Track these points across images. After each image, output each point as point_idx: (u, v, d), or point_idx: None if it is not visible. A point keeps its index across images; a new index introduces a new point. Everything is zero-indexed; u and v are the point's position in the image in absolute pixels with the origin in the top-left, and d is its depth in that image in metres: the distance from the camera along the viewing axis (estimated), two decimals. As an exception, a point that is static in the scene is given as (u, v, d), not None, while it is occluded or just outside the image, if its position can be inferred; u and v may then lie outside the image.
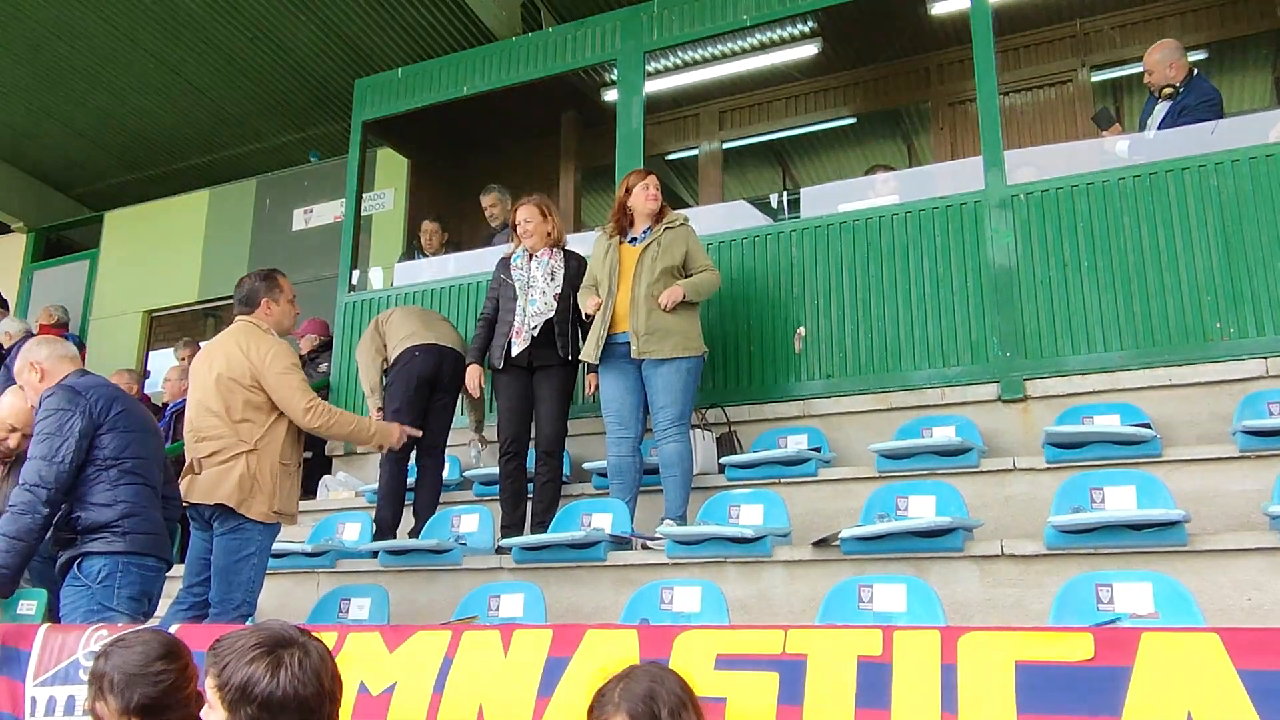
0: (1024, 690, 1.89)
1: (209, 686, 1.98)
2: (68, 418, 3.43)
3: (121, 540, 3.36)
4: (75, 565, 3.38)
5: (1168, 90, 5.42)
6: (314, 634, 2.09)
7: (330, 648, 2.08)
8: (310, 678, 1.94)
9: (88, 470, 3.43)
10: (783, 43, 7.38)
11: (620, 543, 4.51)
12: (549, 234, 5.28)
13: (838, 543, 3.99)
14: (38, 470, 3.40)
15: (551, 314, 5.13)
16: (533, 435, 5.22)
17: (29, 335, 7.61)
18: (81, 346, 8.25)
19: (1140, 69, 7.52)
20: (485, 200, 7.21)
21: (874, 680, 2.01)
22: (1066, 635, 1.98)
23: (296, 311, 4.34)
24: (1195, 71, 5.50)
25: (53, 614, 4.90)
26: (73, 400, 3.48)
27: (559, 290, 5.17)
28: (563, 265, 5.24)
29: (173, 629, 2.86)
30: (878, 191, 6.15)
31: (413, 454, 5.56)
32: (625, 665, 2.03)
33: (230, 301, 9.36)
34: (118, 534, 3.36)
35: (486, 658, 2.38)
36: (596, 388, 5.33)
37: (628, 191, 5.10)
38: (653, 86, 6.76)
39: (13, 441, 3.74)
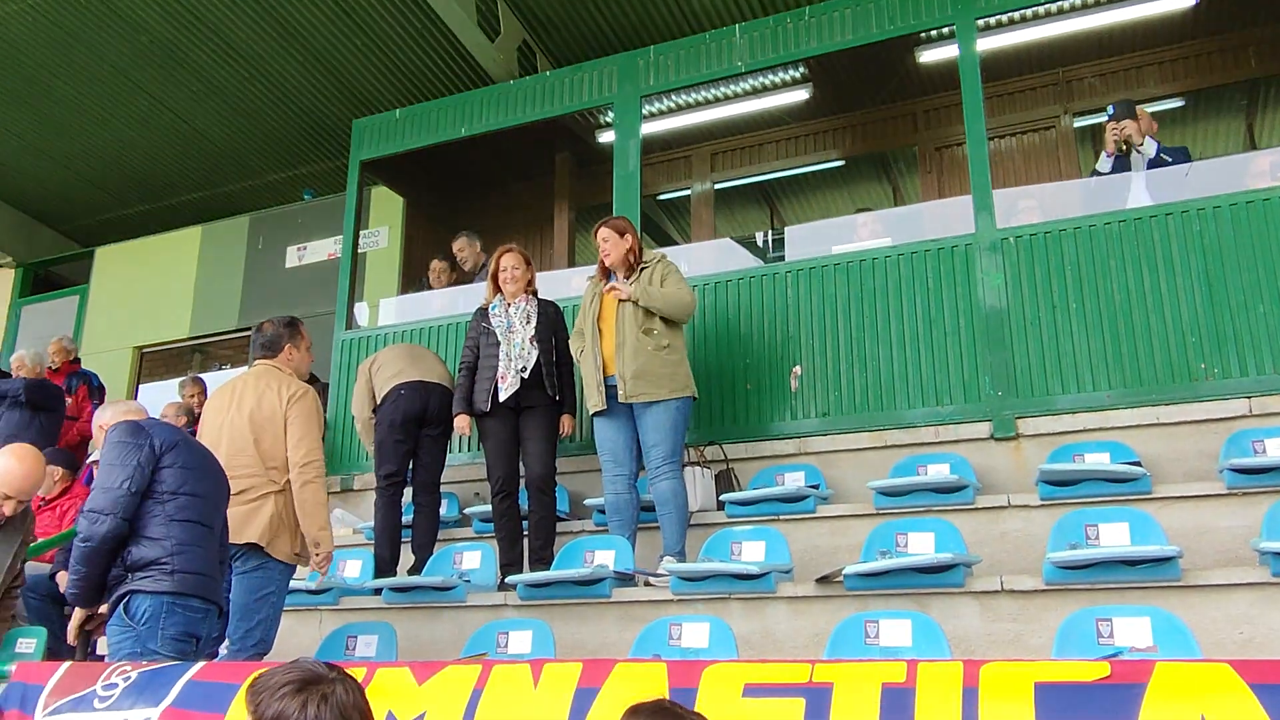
0: (1043, 705, 1.98)
1: None
2: (129, 450, 3.46)
3: (169, 579, 3.34)
4: (122, 605, 3.37)
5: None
6: (346, 670, 2.15)
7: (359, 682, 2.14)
8: (336, 714, 2.00)
9: (146, 503, 3.43)
10: (774, 88, 7.55)
11: (624, 579, 4.57)
12: (529, 281, 5.44)
13: (841, 579, 4.06)
14: (94, 498, 3.43)
15: (536, 356, 5.24)
16: (523, 474, 5.29)
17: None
18: (102, 388, 8.25)
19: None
20: (455, 245, 7.35)
21: (898, 703, 2.09)
22: (1084, 663, 2.07)
23: (312, 359, 4.44)
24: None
25: (52, 653, 4.91)
26: (135, 433, 3.52)
27: (535, 335, 5.28)
28: (538, 311, 5.37)
29: (197, 667, 2.90)
30: (859, 235, 6.29)
31: (407, 491, 5.62)
32: (650, 698, 2.08)
33: (222, 339, 9.56)
34: (165, 572, 3.34)
35: (516, 689, 2.43)
36: (571, 430, 5.43)
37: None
38: (647, 128, 6.90)
39: (7, 509, 3.76)
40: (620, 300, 5.01)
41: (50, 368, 8.03)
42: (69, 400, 7.82)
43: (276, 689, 2.02)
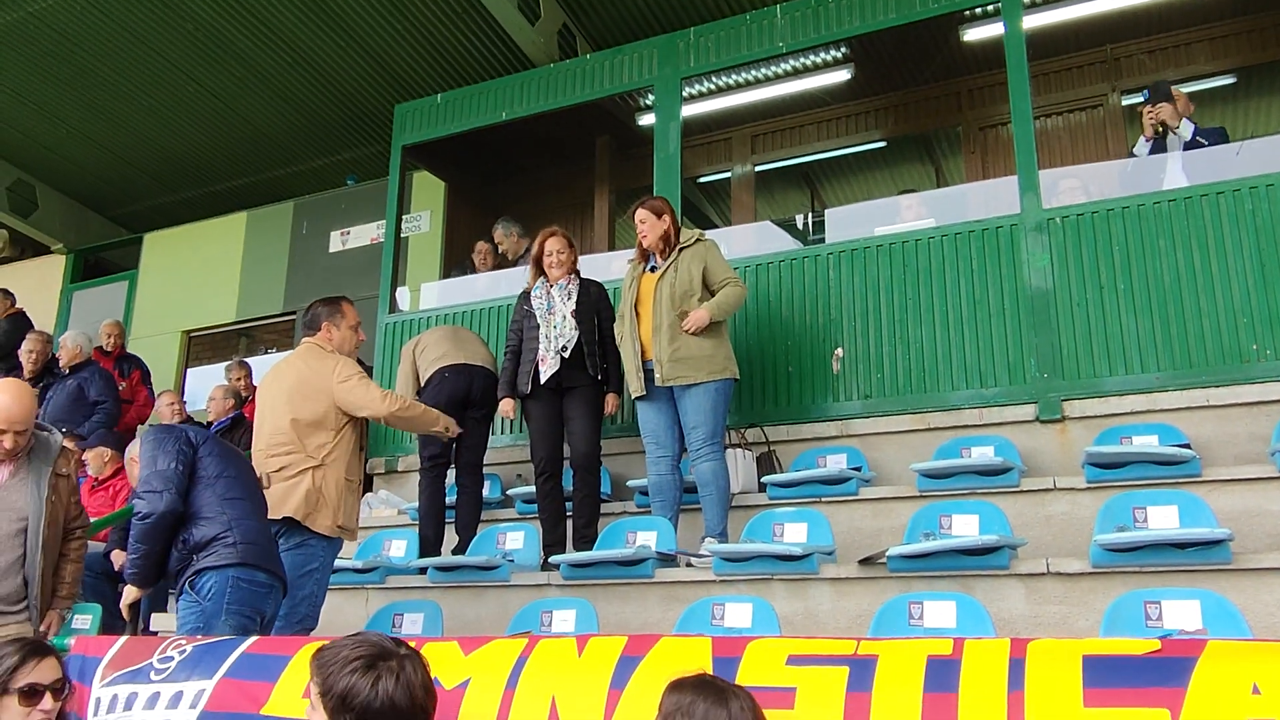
0: (1090, 673, 1.96)
1: (312, 691, 2.10)
2: (165, 440, 3.61)
3: (232, 551, 3.46)
4: (189, 584, 3.49)
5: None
6: (410, 646, 2.20)
7: None
8: (405, 691, 2.05)
9: (197, 489, 3.57)
10: (816, 68, 7.49)
11: (667, 560, 4.59)
12: (573, 263, 5.48)
13: (884, 560, 4.05)
14: (147, 479, 3.56)
15: (576, 335, 5.25)
16: (567, 454, 5.33)
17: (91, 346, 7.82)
18: (149, 372, 8.42)
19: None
20: (495, 234, 7.40)
21: (943, 672, 2.08)
22: (1133, 640, 2.06)
23: (360, 339, 4.49)
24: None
25: (107, 629, 5.03)
26: (166, 429, 3.71)
27: (575, 310, 5.30)
28: (579, 290, 5.39)
29: (251, 640, 2.96)
30: (903, 216, 6.23)
31: (450, 472, 5.68)
32: (693, 672, 2.09)
33: (267, 323, 9.69)
34: (228, 545, 3.46)
35: (560, 658, 2.46)
36: (615, 408, 5.45)
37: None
38: (687, 111, 6.88)
39: (7, 442, 3.82)
40: (658, 282, 5.02)
41: (103, 349, 8.18)
42: (122, 384, 7.97)
43: (345, 664, 2.07)
